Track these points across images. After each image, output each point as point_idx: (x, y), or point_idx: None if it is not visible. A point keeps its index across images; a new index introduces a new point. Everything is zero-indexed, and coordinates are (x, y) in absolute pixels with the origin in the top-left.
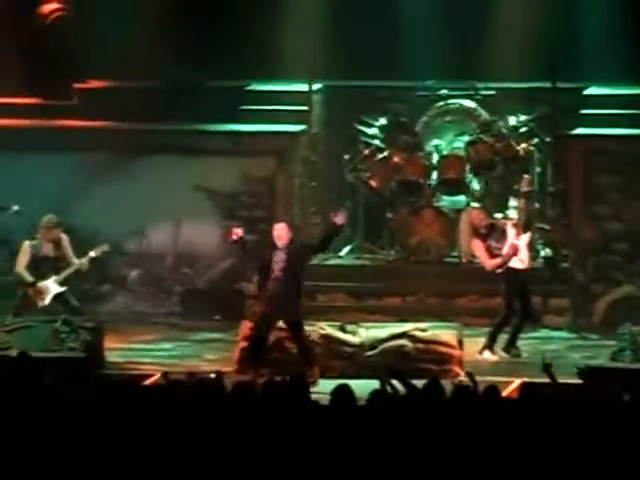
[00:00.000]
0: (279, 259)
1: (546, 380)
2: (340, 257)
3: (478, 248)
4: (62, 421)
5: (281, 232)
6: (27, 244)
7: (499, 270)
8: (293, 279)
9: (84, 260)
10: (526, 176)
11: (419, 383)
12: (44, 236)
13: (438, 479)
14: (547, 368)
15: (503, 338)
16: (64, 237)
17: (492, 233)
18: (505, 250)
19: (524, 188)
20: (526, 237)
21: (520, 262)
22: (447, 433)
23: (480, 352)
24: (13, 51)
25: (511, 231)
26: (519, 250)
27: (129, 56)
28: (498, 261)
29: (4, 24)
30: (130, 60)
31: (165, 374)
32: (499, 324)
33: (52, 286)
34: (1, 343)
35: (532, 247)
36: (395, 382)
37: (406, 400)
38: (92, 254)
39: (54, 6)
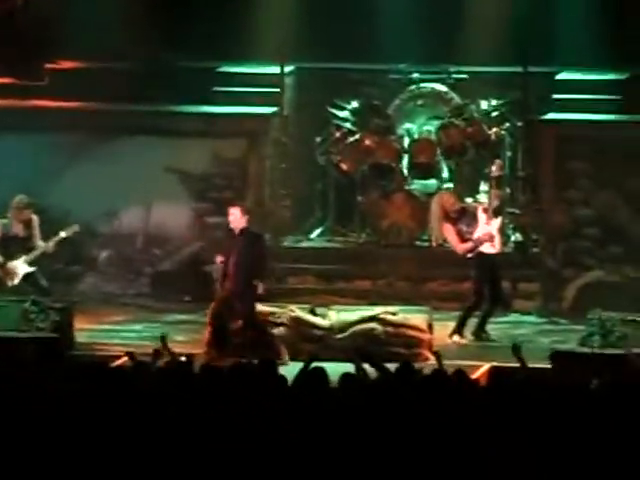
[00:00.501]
0: (234, 249)
1: (515, 364)
2: (311, 240)
3: (449, 232)
4: (32, 401)
5: (234, 218)
6: None
7: (470, 254)
8: (245, 268)
9: (50, 243)
10: (497, 161)
11: (390, 367)
12: (15, 216)
13: (409, 463)
14: (516, 351)
15: (473, 322)
16: (35, 218)
17: (463, 217)
18: (476, 235)
19: (495, 172)
20: (497, 222)
21: (491, 247)
22: (419, 416)
23: (450, 336)
24: None
25: (482, 216)
26: (493, 236)
27: (101, 37)
28: (469, 245)
29: None
30: (102, 41)
31: (130, 354)
32: (469, 309)
33: (21, 266)
34: None
35: (503, 232)
36: (366, 365)
37: (378, 384)
38: (62, 234)
39: None
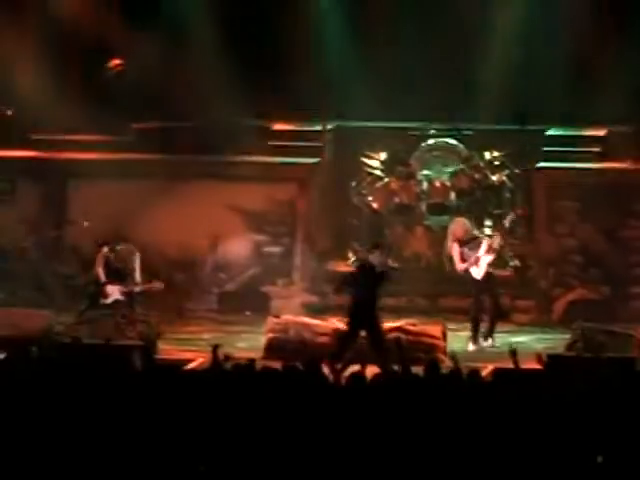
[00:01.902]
0: (367, 279)
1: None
2: (348, 265)
3: (455, 251)
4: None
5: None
6: (105, 252)
7: (464, 272)
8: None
9: (139, 287)
10: (510, 215)
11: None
12: (121, 251)
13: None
14: (513, 354)
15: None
16: (137, 256)
17: (469, 243)
18: (472, 258)
19: (507, 224)
20: (490, 257)
21: (477, 274)
22: (442, 405)
23: (468, 346)
24: (85, 98)
25: (484, 246)
26: (479, 262)
27: (176, 101)
28: (464, 266)
29: (78, 77)
30: (177, 104)
31: (227, 357)
32: (473, 319)
33: (116, 292)
34: (73, 333)
35: (491, 265)
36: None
37: (408, 380)
38: (153, 285)
39: (117, 62)
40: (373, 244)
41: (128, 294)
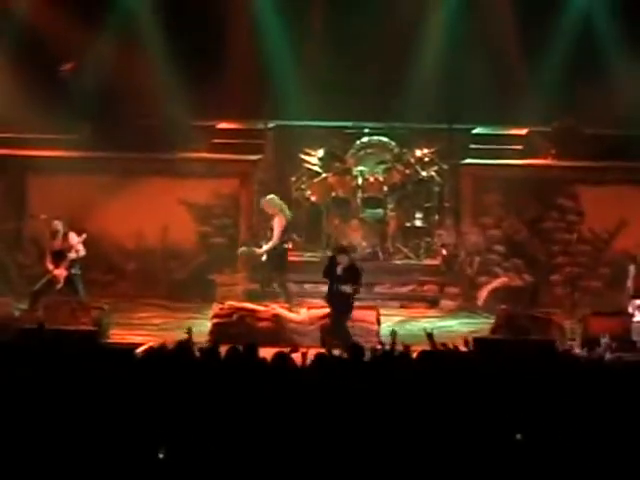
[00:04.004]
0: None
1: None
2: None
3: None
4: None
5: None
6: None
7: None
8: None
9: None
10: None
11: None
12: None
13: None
14: (429, 337)
15: None
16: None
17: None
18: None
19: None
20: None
21: None
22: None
23: None
24: (43, 99)
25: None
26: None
27: (128, 101)
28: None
29: (37, 78)
30: (129, 105)
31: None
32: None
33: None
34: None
35: None
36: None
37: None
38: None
39: (72, 63)
40: (341, 248)
41: (67, 279)
